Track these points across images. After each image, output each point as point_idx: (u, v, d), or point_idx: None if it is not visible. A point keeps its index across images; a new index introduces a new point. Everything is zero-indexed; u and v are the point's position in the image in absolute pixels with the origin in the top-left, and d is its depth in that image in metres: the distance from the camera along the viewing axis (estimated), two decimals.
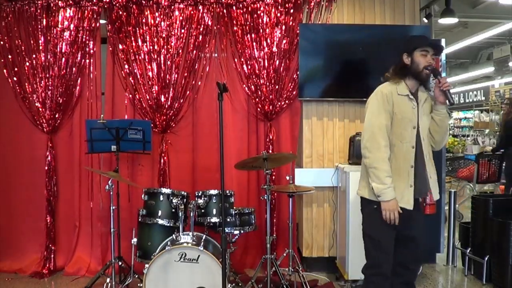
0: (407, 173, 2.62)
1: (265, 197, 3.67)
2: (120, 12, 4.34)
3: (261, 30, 4.32)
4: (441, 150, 4.60)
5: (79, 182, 4.48)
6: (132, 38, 4.34)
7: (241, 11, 4.33)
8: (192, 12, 4.35)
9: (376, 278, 2.70)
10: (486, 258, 4.01)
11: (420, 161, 2.64)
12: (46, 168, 4.40)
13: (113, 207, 3.66)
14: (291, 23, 4.34)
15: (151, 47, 4.34)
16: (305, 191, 3.90)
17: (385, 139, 2.61)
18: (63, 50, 4.36)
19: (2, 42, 4.38)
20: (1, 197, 4.49)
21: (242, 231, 3.75)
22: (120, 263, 3.83)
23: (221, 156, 2.54)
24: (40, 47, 4.35)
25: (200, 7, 4.35)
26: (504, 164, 5.96)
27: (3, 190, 4.49)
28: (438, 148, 2.78)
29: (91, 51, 4.42)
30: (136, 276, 3.69)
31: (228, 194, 3.75)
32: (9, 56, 4.38)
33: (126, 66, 4.37)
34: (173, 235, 3.43)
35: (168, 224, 3.62)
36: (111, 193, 3.64)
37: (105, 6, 4.35)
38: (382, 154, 2.59)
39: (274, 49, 4.33)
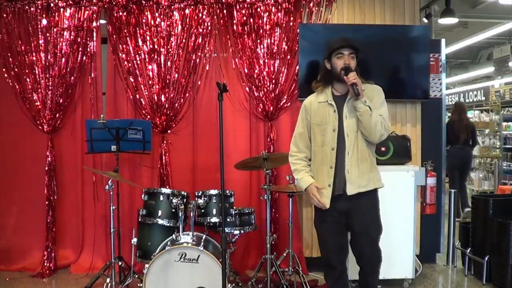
0: (327, 174, 2.79)
1: (265, 197, 3.67)
2: (120, 12, 4.34)
3: (261, 30, 4.32)
4: (441, 151, 4.63)
5: (79, 182, 4.49)
6: (132, 38, 4.34)
7: (241, 11, 4.34)
8: (192, 12, 4.35)
9: (324, 269, 3.01)
10: (486, 258, 4.01)
11: (340, 160, 2.78)
12: (47, 168, 4.40)
13: (113, 207, 3.66)
14: (291, 23, 4.34)
15: (151, 47, 4.34)
16: None
17: (297, 146, 2.95)
18: (63, 50, 4.36)
19: (2, 42, 4.38)
20: (1, 197, 4.49)
21: (242, 231, 3.75)
22: (120, 263, 3.83)
23: (221, 156, 2.54)
24: (40, 47, 4.35)
25: (200, 7, 4.35)
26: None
27: (3, 190, 4.49)
28: (373, 141, 2.81)
29: (91, 51, 4.42)
30: (136, 276, 3.69)
31: (228, 194, 3.75)
32: (9, 56, 4.38)
33: (126, 66, 4.38)
34: (173, 235, 3.43)
35: (168, 224, 3.62)
36: (111, 193, 3.64)
37: (105, 6, 4.35)
38: (292, 158, 2.96)
39: (274, 49, 4.33)
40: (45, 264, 4.37)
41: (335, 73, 2.78)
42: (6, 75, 4.40)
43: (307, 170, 2.90)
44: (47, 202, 4.40)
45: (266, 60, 4.33)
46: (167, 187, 4.29)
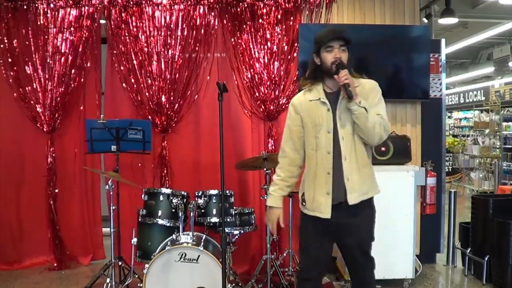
0: (325, 181, 2.49)
1: (265, 197, 3.67)
2: (120, 12, 4.34)
3: (261, 30, 4.32)
4: (441, 151, 4.62)
5: (79, 182, 4.49)
6: (132, 38, 4.34)
7: (242, 11, 4.33)
8: (192, 12, 4.35)
9: (298, 281, 2.72)
10: (486, 258, 4.01)
11: (337, 165, 2.48)
12: (47, 167, 4.40)
13: (113, 207, 3.66)
14: (291, 23, 4.34)
15: (151, 47, 4.34)
16: None
17: (283, 151, 2.65)
18: (63, 50, 4.36)
19: (2, 42, 4.37)
20: (1, 197, 4.49)
21: (242, 231, 3.75)
22: (120, 263, 3.83)
23: (221, 156, 2.54)
24: (40, 47, 4.35)
25: (201, 7, 4.35)
26: None
27: (3, 190, 4.49)
28: (372, 144, 2.52)
29: (91, 51, 4.42)
30: (136, 276, 3.69)
31: (228, 194, 3.75)
32: (9, 56, 4.38)
33: (126, 66, 4.37)
34: (173, 235, 3.43)
35: (168, 224, 3.62)
36: (111, 193, 3.64)
37: (105, 6, 4.35)
38: (278, 164, 2.66)
39: (275, 49, 4.33)
40: (46, 263, 4.37)
41: (325, 68, 2.47)
42: (5, 75, 4.40)
43: (281, 187, 2.63)
44: (47, 202, 4.40)
45: (266, 60, 4.33)
46: (167, 187, 4.29)
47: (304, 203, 2.60)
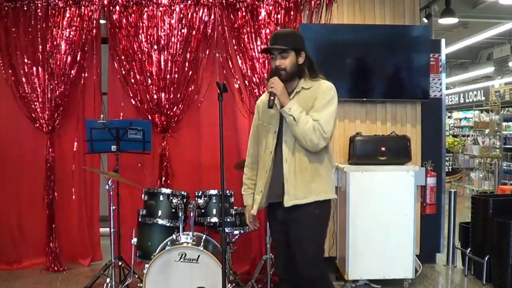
0: (263, 179, 2.58)
1: None
2: (120, 12, 4.34)
3: (261, 30, 4.32)
4: (441, 151, 4.62)
5: (78, 182, 4.49)
6: (132, 38, 4.34)
7: (242, 11, 4.33)
8: (192, 11, 4.35)
9: (279, 281, 2.77)
10: (486, 258, 4.01)
11: (278, 167, 2.53)
12: (46, 167, 4.40)
13: (113, 207, 3.66)
14: (291, 23, 4.34)
15: (151, 47, 4.34)
16: None
17: (248, 149, 2.76)
18: (63, 50, 4.36)
19: (1, 42, 4.37)
20: (1, 197, 4.49)
21: (242, 231, 3.75)
22: (120, 263, 3.83)
23: (221, 156, 2.54)
24: (40, 47, 4.35)
25: (200, 7, 4.35)
26: None
27: (3, 190, 4.49)
28: (308, 149, 2.47)
29: (91, 51, 4.42)
30: (136, 276, 3.69)
31: (228, 194, 3.75)
32: (9, 56, 4.38)
33: (126, 66, 4.37)
34: (173, 235, 3.43)
35: (168, 224, 3.62)
36: (111, 193, 3.64)
37: (105, 6, 4.34)
38: (246, 163, 2.76)
39: None
40: (46, 263, 4.37)
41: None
42: (5, 74, 4.40)
43: (249, 186, 2.73)
44: (46, 202, 4.40)
45: (267, 60, 4.33)
46: (167, 187, 4.29)
47: None
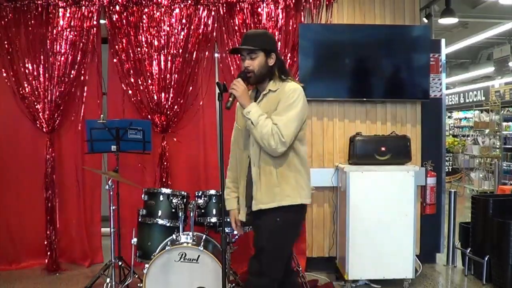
0: (244, 184, 2.56)
1: None
2: (120, 12, 4.34)
3: None
4: (441, 151, 4.62)
5: (79, 182, 4.48)
6: (132, 38, 4.34)
7: (242, 11, 4.33)
8: (192, 11, 4.35)
9: None
10: (486, 258, 4.01)
11: (250, 170, 2.52)
12: (46, 167, 4.40)
13: (113, 207, 3.66)
14: (291, 23, 4.34)
15: (151, 47, 4.34)
16: None
17: (231, 151, 2.73)
18: (63, 50, 4.36)
19: (1, 42, 4.37)
20: (1, 197, 4.49)
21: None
22: (120, 263, 3.83)
23: (220, 156, 2.54)
24: (40, 47, 4.35)
25: (200, 7, 4.35)
26: None
27: (2, 190, 4.49)
28: (271, 154, 2.42)
29: (91, 51, 4.42)
30: (136, 276, 3.69)
31: None
32: (8, 56, 4.38)
33: (126, 66, 4.37)
34: (173, 235, 3.43)
35: (168, 224, 3.62)
36: (111, 193, 3.64)
37: (105, 5, 4.34)
38: (229, 165, 2.72)
39: None
40: (45, 263, 4.37)
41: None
42: (5, 74, 4.40)
43: (233, 189, 2.69)
44: (46, 202, 4.40)
45: None
46: (167, 187, 4.28)
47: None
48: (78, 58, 4.39)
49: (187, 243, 3.28)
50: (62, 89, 4.39)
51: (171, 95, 4.37)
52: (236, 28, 4.34)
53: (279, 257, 2.52)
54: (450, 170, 10.99)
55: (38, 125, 4.43)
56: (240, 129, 2.63)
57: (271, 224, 2.46)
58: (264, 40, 2.48)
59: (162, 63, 4.35)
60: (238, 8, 4.34)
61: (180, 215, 3.45)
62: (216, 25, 4.38)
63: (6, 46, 4.37)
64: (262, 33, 2.63)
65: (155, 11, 4.34)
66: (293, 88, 2.44)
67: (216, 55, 4.45)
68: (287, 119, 2.37)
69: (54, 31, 4.35)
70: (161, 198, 3.66)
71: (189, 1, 4.34)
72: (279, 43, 4.33)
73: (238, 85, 2.41)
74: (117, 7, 4.34)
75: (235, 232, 2.77)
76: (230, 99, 2.39)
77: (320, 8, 4.40)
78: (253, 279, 2.51)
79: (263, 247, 2.48)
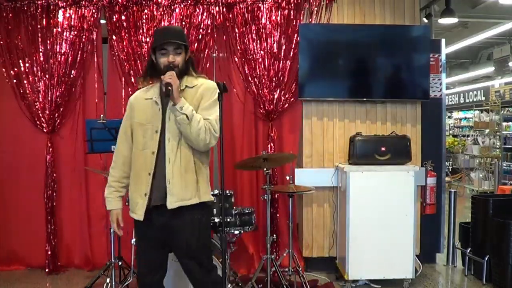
0: (145, 182, 2.44)
1: (265, 197, 3.67)
2: (120, 12, 4.34)
3: (261, 30, 4.32)
4: (441, 151, 4.62)
5: (79, 182, 4.48)
6: (132, 38, 4.34)
7: (242, 11, 4.33)
8: (192, 11, 4.35)
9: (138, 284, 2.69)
10: (486, 258, 4.01)
11: (160, 167, 2.43)
12: (46, 168, 4.40)
13: None
14: (291, 23, 4.34)
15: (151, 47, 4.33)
16: (305, 191, 3.90)
17: (117, 149, 2.61)
18: (63, 50, 4.36)
19: (1, 42, 4.37)
20: (1, 197, 4.49)
21: (242, 231, 3.74)
22: (120, 263, 3.83)
23: (221, 156, 2.54)
24: (40, 47, 4.35)
25: (200, 7, 4.35)
26: None
27: (2, 190, 4.49)
28: (199, 149, 2.46)
29: (91, 51, 4.42)
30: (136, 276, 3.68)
31: (228, 194, 3.74)
32: (9, 56, 4.38)
33: (127, 66, 4.37)
34: None
35: None
36: None
37: (105, 5, 4.34)
38: (112, 163, 2.62)
39: (275, 49, 4.33)
40: (46, 263, 4.37)
41: (159, 69, 2.44)
42: (5, 74, 4.40)
43: (117, 188, 2.58)
44: (45, 203, 4.39)
45: (266, 60, 4.33)
46: None
47: (127, 204, 2.61)
48: (78, 58, 4.39)
49: None
50: (62, 89, 4.39)
51: None
52: (236, 28, 4.34)
53: (210, 250, 2.62)
54: (450, 170, 10.99)
55: (38, 125, 4.43)
56: (142, 125, 2.48)
57: (200, 219, 2.49)
58: (185, 36, 2.53)
59: None
60: (238, 8, 4.34)
61: None
62: (215, 25, 4.38)
63: (6, 46, 4.37)
64: (182, 29, 2.66)
65: (155, 11, 4.34)
66: (214, 85, 2.50)
67: (214, 55, 4.44)
68: (215, 114, 2.44)
69: (54, 31, 4.34)
70: None
71: (189, 1, 4.34)
72: (279, 43, 4.34)
73: (175, 78, 2.36)
74: (117, 7, 4.34)
75: (119, 235, 2.67)
76: (169, 87, 2.32)
77: (320, 8, 4.40)
78: (206, 279, 2.53)
79: (197, 244, 2.49)
